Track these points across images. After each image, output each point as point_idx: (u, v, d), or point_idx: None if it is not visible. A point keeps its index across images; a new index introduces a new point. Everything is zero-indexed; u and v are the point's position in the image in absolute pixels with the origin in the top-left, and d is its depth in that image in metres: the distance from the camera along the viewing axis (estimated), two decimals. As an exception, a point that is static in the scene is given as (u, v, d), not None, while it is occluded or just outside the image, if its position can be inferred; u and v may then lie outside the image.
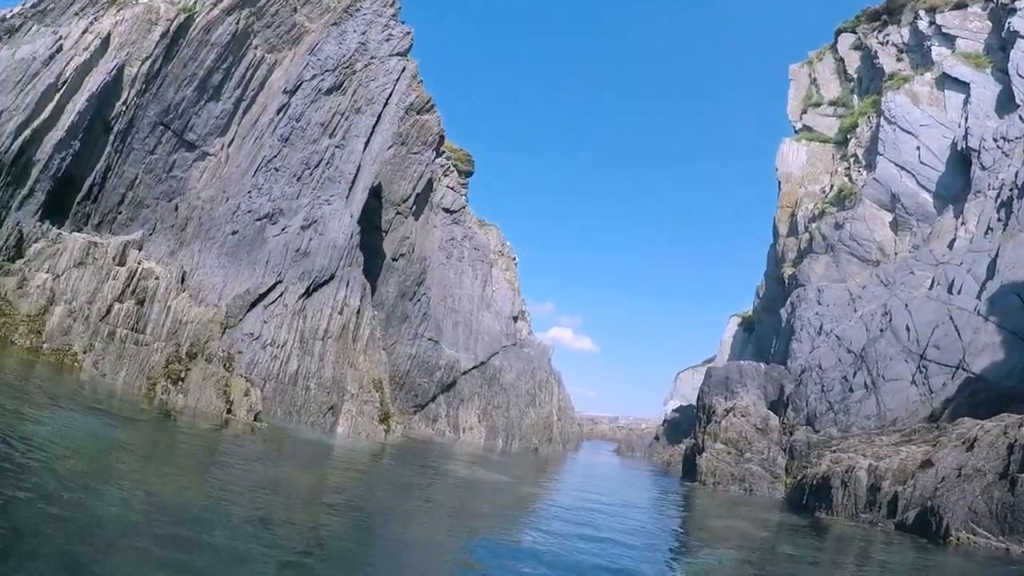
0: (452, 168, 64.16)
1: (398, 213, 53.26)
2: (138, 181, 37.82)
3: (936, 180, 58.69)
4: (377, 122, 44.43)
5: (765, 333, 75.04)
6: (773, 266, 76.31)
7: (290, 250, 38.44)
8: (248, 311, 36.53)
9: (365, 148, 43.44)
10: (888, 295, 53.42)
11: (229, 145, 41.46)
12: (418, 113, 55.31)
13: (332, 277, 38.13)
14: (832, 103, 78.40)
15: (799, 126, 79.46)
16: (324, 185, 41.33)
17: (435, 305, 56.10)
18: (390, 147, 52.91)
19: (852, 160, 67.38)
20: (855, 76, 77.53)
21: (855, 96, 75.97)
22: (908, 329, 47.39)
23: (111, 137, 36.24)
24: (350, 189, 41.84)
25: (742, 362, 54.71)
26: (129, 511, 12.02)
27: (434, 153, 56.19)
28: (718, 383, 52.53)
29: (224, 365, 30.07)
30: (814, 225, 64.82)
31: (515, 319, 68.54)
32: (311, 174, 41.41)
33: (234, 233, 38.84)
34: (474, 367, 57.94)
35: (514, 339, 65.25)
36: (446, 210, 61.45)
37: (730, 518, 28.94)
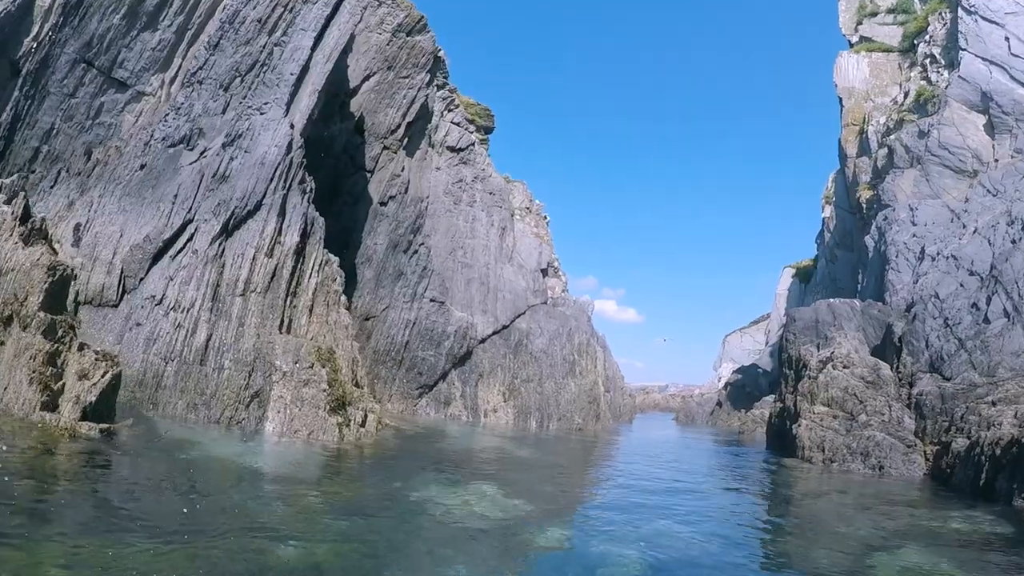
0: (457, 103, 51.10)
1: (385, 148, 40.54)
2: (55, 131, 25.96)
3: (1033, 72, 47.02)
4: (334, 13, 31.58)
5: (842, 272, 62.68)
6: (843, 193, 64.56)
7: (206, 177, 25.93)
8: (151, 266, 24.17)
9: (316, 45, 30.67)
10: (1005, 204, 41.27)
11: (171, 82, 29.07)
12: (407, 34, 42.45)
13: (259, 206, 25.32)
14: (890, 11, 66.51)
15: (855, 39, 67.43)
16: (257, 91, 28.62)
17: (441, 260, 43.19)
18: (374, 74, 40.80)
19: (929, 61, 55.39)
20: (914, -21, 65.50)
21: (916, 1, 64.45)
22: (1050, 236, 35.12)
23: (19, 81, 25.15)
24: (292, 94, 29.07)
25: (833, 300, 41.31)
26: None
27: (428, 75, 43.31)
28: (805, 328, 39.18)
29: (46, 332, 17.24)
30: (892, 137, 52.59)
31: (544, 272, 55.15)
32: (242, 81, 28.77)
33: (142, 168, 26.50)
34: (494, 332, 44.69)
35: (544, 296, 51.65)
36: (452, 149, 48.35)
37: (903, 535, 16.01)
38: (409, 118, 41.87)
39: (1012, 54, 48.94)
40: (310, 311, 24.77)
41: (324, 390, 21.88)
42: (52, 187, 25.82)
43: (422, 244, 40.80)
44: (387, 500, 15.68)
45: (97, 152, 26.82)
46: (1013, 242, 36.44)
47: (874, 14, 67.51)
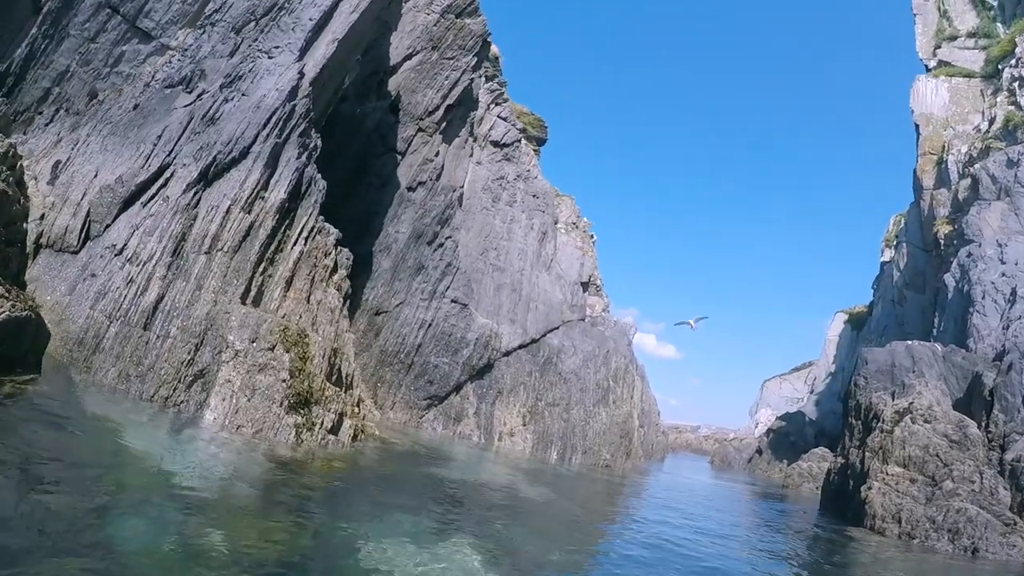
0: (506, 97, 46.66)
1: (420, 130, 36.13)
2: (70, 74, 22.73)
3: None
4: (371, -41, 27.24)
5: (911, 315, 56.99)
6: (916, 229, 59.01)
7: (195, 119, 21.54)
8: (121, 212, 19.79)
9: (346, -10, 26.27)
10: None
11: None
12: (457, 16, 38.39)
13: (245, 153, 20.65)
14: (971, 34, 62.66)
15: (933, 63, 63.61)
16: (270, 34, 24.23)
17: (471, 260, 38.46)
18: (416, 54, 36.68)
19: (1017, 85, 51.20)
20: (995, 3, 62.89)
21: (999, 25, 60.91)
22: None
23: (39, 18, 22.38)
24: (309, 41, 24.55)
25: (912, 343, 35.91)
26: None
27: (475, 59, 38.90)
28: (879, 373, 33.75)
29: None
30: (977, 166, 47.87)
31: (584, 287, 50.08)
32: (256, 24, 24.47)
33: (135, 108, 22.38)
34: (521, 346, 39.41)
35: (582, 312, 46.31)
36: (495, 144, 43.80)
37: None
38: (450, 101, 37.53)
39: (1113, 78, 45.39)
40: (288, 284, 19.91)
41: (284, 380, 16.92)
42: (47, 124, 22.32)
43: (449, 237, 35.99)
44: (319, 557, 10.58)
45: (102, 95, 23.01)
46: None
47: (953, 37, 63.88)
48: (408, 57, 36.49)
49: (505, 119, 45.27)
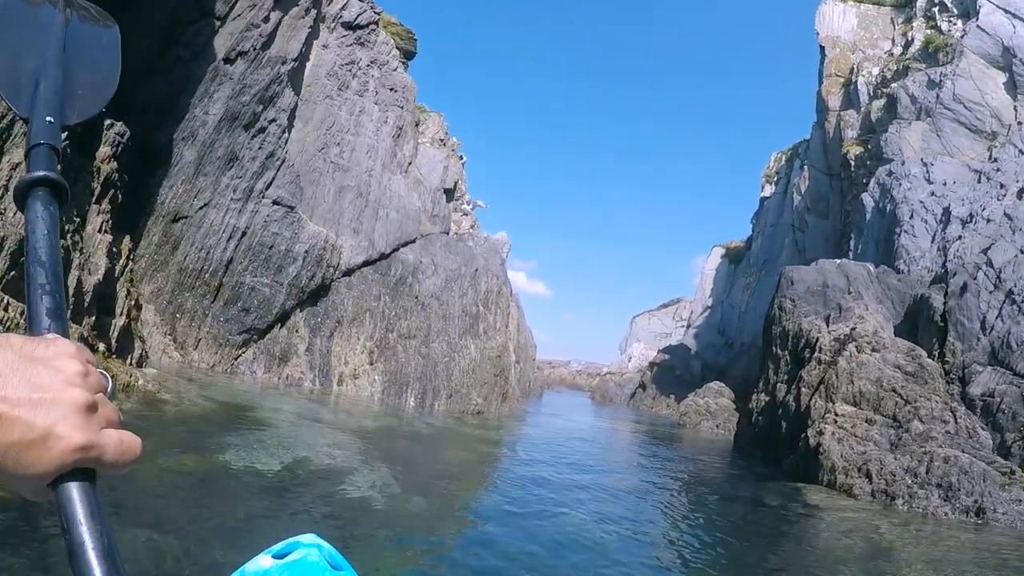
0: (362, -28, 38.13)
1: (245, -11, 27.41)
2: None
3: (1059, 32, 41.38)
4: None
5: (813, 241, 52.87)
6: (819, 152, 56.21)
7: None
8: None
9: None
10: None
11: None
12: None
13: None
14: None
15: None
16: None
17: (307, 157, 30.06)
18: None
19: (938, 9, 48.40)
20: (911, -65, 61.51)
21: None
22: None
23: None
24: None
25: (844, 261, 30.34)
26: None
27: (320, -91, 30.44)
28: (810, 294, 27.64)
29: None
30: (895, 85, 44.51)
31: (448, 195, 42.16)
32: None
33: None
34: (367, 262, 30.97)
35: (445, 224, 38.20)
36: (347, 25, 35.22)
37: None
38: (286, -44, 28.90)
39: (1039, 8, 42.49)
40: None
41: None
42: None
43: (273, 120, 27.44)
44: None
45: None
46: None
47: (862, -33, 62.92)
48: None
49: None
